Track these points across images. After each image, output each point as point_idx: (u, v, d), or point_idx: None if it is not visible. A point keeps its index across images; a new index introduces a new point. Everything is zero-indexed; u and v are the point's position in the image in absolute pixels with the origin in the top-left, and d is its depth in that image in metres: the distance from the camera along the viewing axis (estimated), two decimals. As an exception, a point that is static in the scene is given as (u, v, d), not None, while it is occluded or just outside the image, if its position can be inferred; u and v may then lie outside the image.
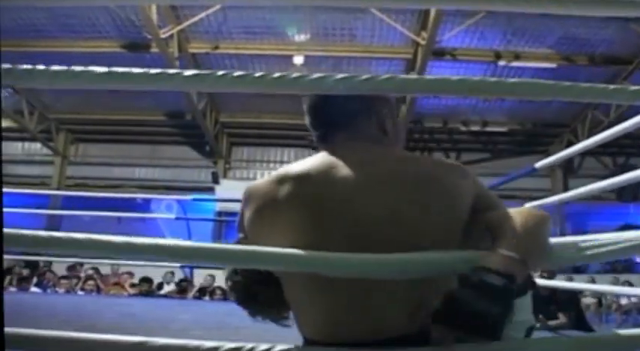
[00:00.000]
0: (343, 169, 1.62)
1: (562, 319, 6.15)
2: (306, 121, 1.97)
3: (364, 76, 1.67)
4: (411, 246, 1.46)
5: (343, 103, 1.82)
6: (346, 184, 1.58)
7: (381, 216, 1.53)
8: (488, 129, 16.19)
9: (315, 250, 1.48)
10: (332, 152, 1.73)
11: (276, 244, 1.52)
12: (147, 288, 10.40)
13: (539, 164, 5.33)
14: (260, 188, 1.72)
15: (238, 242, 1.74)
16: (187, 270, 12.37)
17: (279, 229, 1.60)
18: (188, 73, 1.70)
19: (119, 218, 15.15)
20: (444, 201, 1.56)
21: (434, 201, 1.55)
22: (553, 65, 12.68)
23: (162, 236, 12.63)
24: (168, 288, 10.94)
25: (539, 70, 12.86)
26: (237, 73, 1.71)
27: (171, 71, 1.70)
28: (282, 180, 1.66)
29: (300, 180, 1.64)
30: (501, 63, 12.66)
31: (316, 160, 1.72)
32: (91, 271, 11.11)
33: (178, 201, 15.04)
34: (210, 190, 15.02)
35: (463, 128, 16.22)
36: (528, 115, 15.63)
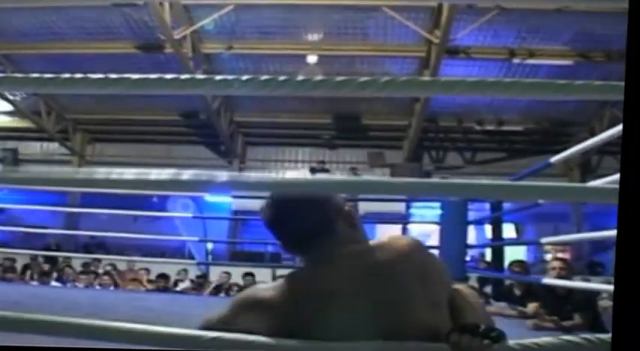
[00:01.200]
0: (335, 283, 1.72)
1: (577, 319, 6.08)
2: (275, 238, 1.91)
3: (385, 78, 1.72)
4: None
5: (308, 216, 1.82)
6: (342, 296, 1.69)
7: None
8: (504, 128, 16.08)
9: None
10: (316, 267, 1.82)
11: None
12: (163, 284, 10.48)
13: (554, 159, 5.31)
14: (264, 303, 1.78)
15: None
16: (203, 267, 12.43)
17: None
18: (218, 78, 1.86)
19: (135, 217, 15.31)
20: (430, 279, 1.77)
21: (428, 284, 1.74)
22: (569, 62, 12.58)
23: (179, 234, 12.69)
24: (183, 285, 11.03)
25: (554, 68, 12.77)
26: (262, 78, 1.80)
27: (200, 77, 1.81)
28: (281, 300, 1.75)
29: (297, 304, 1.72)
30: (516, 61, 12.59)
31: (303, 280, 1.81)
32: (109, 267, 11.27)
33: (194, 200, 15.11)
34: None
35: (478, 127, 16.12)
36: (544, 113, 15.50)
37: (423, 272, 1.73)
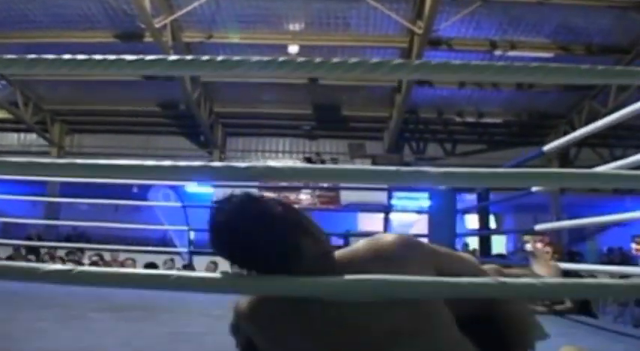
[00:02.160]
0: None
1: (568, 303, 6.18)
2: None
3: (374, 60, 1.69)
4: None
5: (268, 241, 1.56)
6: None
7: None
8: (484, 120, 16.18)
9: None
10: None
11: None
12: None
13: (547, 147, 5.32)
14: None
15: None
16: (187, 257, 12.37)
17: None
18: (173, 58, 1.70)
19: (116, 207, 15.20)
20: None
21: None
22: (549, 55, 12.61)
23: (160, 224, 12.63)
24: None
25: (535, 60, 12.80)
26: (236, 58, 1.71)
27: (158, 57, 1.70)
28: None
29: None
30: (497, 52, 12.60)
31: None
32: (95, 258, 11.27)
33: (175, 190, 15.02)
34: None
35: (458, 119, 16.20)
36: (524, 106, 15.59)
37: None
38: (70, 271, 1.53)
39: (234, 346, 1.75)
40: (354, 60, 1.69)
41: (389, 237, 1.68)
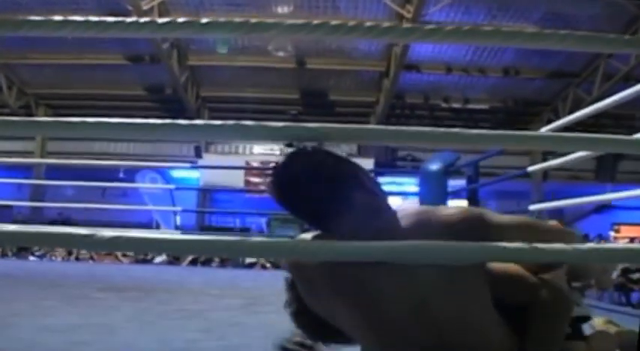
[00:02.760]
0: None
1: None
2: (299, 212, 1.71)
3: (369, 24, 1.68)
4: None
5: (331, 189, 1.61)
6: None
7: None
8: (470, 106, 16.26)
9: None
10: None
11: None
12: (142, 257, 10.59)
13: (545, 128, 5.34)
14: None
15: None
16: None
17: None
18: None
19: (103, 190, 15.16)
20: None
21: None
22: (537, 41, 12.68)
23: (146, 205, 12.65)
24: (160, 258, 11.06)
25: (522, 47, 12.89)
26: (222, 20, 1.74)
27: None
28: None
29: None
30: (485, 38, 12.64)
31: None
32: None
33: (162, 174, 15.03)
34: (192, 164, 14.97)
35: (444, 105, 16.27)
36: (510, 92, 15.70)
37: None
38: (118, 238, 1.55)
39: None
40: (336, 23, 1.70)
41: (451, 209, 1.64)
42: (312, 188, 1.60)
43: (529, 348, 1.59)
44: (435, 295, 1.53)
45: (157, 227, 13.83)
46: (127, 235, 1.51)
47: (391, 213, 1.64)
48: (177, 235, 1.52)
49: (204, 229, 14.21)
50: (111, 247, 1.60)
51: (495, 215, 1.59)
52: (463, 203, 8.89)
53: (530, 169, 6.20)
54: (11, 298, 3.93)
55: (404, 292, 1.53)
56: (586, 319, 1.88)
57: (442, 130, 1.69)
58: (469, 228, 1.52)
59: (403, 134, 1.84)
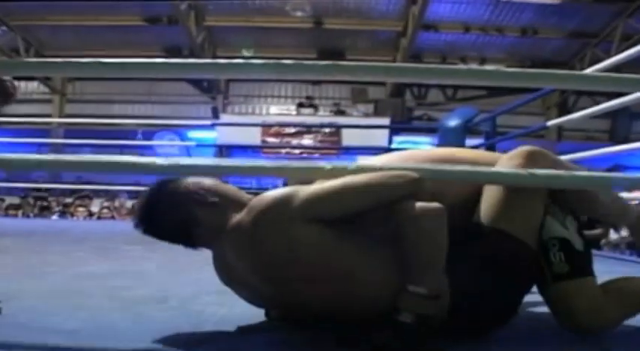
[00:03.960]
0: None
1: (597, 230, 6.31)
2: None
3: None
4: None
5: (168, 214, 1.74)
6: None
7: None
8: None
9: None
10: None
11: None
12: None
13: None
14: None
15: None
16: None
17: None
18: None
19: (121, 152, 15.24)
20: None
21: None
22: (555, 2, 12.57)
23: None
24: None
25: (541, 7, 12.81)
26: None
27: None
28: None
29: None
30: (503, -1, 12.60)
31: None
32: (106, 203, 11.45)
33: (179, 134, 15.11)
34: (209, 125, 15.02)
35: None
36: (527, 52, 15.60)
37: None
38: (177, 162, 1.68)
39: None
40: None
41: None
42: (162, 219, 1.74)
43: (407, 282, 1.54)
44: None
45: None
46: (184, 161, 1.65)
47: (236, 210, 1.69)
48: (221, 159, 1.62)
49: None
50: (171, 170, 1.77)
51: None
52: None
53: (550, 123, 6.23)
54: (43, 250, 4.05)
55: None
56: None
57: (476, 67, 1.75)
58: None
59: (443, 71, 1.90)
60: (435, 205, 1.56)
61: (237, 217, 1.65)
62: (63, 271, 3.10)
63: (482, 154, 2.19)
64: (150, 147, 12.90)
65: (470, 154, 2.06)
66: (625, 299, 1.81)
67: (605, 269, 2.23)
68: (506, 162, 1.82)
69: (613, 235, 10.53)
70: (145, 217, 1.75)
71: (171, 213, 1.72)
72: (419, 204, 1.55)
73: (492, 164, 1.85)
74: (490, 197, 1.75)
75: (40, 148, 14.93)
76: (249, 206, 1.63)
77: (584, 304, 1.73)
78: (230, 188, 1.80)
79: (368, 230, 1.60)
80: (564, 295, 1.74)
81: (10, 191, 13.75)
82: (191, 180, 1.77)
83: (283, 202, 1.57)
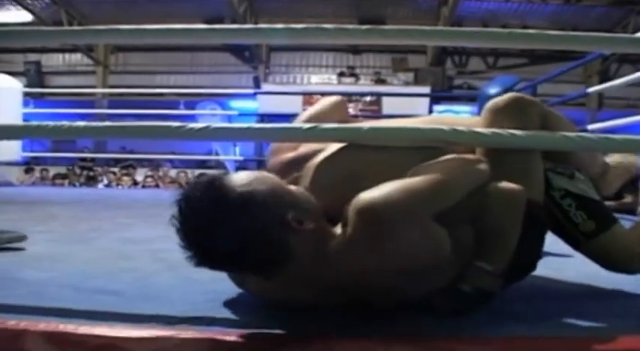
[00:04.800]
0: None
1: (627, 199, 6.21)
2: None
3: None
4: None
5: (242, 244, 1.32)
6: None
7: None
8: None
9: None
10: None
11: None
12: None
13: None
14: None
15: None
16: (232, 167, 12.58)
17: None
18: None
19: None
20: None
21: None
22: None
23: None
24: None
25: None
26: None
27: None
28: None
29: None
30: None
31: None
32: (150, 173, 11.64)
33: (221, 104, 15.20)
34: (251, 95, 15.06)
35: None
36: (570, 20, 15.29)
37: None
38: (207, 127, 1.70)
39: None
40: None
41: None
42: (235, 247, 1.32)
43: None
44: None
45: (218, 155, 14.05)
46: (215, 125, 1.66)
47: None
48: (260, 124, 1.65)
49: (262, 162, 14.33)
50: (202, 136, 1.74)
51: None
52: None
53: (590, 90, 6.16)
54: (89, 217, 4.15)
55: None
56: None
57: (517, 30, 1.74)
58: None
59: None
60: (519, 187, 1.58)
61: (340, 237, 1.42)
62: (109, 235, 3.19)
63: (467, 118, 2.19)
64: (192, 117, 12.98)
65: (455, 119, 2.04)
66: None
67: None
68: (491, 115, 1.78)
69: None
70: (202, 242, 1.33)
71: (252, 240, 1.31)
72: (504, 186, 1.57)
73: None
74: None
75: (84, 118, 15.17)
76: (360, 217, 1.37)
77: (622, 253, 1.82)
78: (308, 197, 1.50)
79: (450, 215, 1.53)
80: (600, 251, 1.82)
81: (56, 161, 14.02)
82: (262, 186, 1.38)
83: (406, 203, 1.40)
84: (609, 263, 1.85)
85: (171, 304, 1.59)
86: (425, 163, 1.56)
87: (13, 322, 1.35)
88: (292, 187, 1.47)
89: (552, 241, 1.86)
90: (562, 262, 2.28)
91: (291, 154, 1.80)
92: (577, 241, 1.83)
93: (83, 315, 1.44)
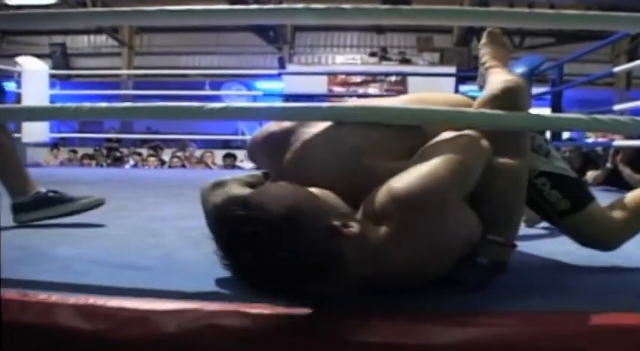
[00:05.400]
0: None
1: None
2: None
3: None
4: None
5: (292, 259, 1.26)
6: None
7: None
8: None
9: None
10: None
11: None
12: (231, 162, 11.04)
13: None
14: None
15: None
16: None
17: None
18: None
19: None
20: None
21: None
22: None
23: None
24: (250, 164, 11.53)
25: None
26: None
27: None
28: None
29: None
30: None
31: None
32: (178, 153, 11.76)
33: (246, 85, 15.23)
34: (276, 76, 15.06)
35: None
36: (597, -2, 15.09)
37: None
38: (227, 107, 1.74)
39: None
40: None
41: None
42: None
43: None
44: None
45: (244, 135, 14.10)
46: (234, 105, 1.70)
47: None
48: (281, 104, 1.68)
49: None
50: (222, 116, 1.78)
51: None
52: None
53: (616, 69, 6.10)
54: (117, 196, 4.20)
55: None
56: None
57: (543, 10, 1.74)
58: None
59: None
60: (520, 162, 1.64)
61: (384, 230, 1.41)
62: (137, 214, 3.25)
63: (451, 96, 2.18)
64: (218, 97, 13.03)
65: (440, 96, 2.06)
66: (632, 210, 1.90)
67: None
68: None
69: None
70: (262, 269, 1.27)
71: (310, 257, 1.27)
72: (508, 162, 1.62)
73: (461, 106, 1.84)
74: None
75: (110, 100, 15.28)
76: (401, 207, 1.39)
77: (597, 229, 1.87)
78: (337, 199, 1.48)
79: None
80: (576, 228, 1.88)
81: (84, 142, 14.18)
82: (299, 200, 1.33)
83: (440, 188, 1.43)
84: (584, 240, 1.91)
85: (197, 279, 1.63)
86: (433, 144, 1.59)
87: (44, 296, 1.40)
88: (316, 191, 1.43)
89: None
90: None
91: (274, 128, 1.82)
92: (553, 218, 1.90)
93: (113, 289, 1.48)
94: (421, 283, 1.49)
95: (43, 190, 2.71)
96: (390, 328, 1.30)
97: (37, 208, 2.65)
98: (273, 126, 1.83)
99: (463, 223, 1.49)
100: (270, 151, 1.77)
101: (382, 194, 1.43)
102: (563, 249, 2.11)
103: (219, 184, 1.77)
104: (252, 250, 1.24)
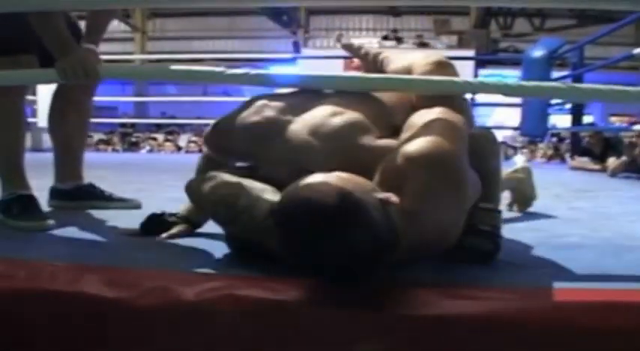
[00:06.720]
0: None
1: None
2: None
3: None
4: None
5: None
6: None
7: None
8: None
9: None
10: None
11: None
12: None
13: None
14: None
15: None
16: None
17: None
18: None
19: (204, 90, 15.53)
20: None
21: None
22: None
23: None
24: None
25: None
26: None
27: None
28: None
29: None
30: None
31: None
32: (194, 138, 11.79)
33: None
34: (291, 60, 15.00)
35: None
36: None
37: None
38: (246, 73, 1.74)
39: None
40: None
41: None
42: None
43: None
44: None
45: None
46: (254, 71, 1.69)
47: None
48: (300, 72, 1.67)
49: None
50: (242, 81, 1.92)
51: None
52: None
53: (636, 51, 5.98)
54: (134, 180, 4.21)
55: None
56: None
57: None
58: None
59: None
60: (490, 131, 1.82)
61: (414, 194, 1.40)
62: (153, 195, 3.24)
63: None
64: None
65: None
66: None
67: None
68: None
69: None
70: (349, 258, 1.27)
71: (383, 234, 1.30)
72: (482, 130, 1.79)
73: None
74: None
75: (124, 85, 15.33)
76: (427, 165, 1.40)
77: None
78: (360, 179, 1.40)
79: None
80: None
81: (98, 128, 14.23)
82: (344, 185, 1.30)
83: (453, 150, 1.45)
84: None
85: (216, 254, 1.71)
86: (424, 115, 1.58)
87: (71, 266, 1.49)
88: (344, 175, 1.37)
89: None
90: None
91: (256, 118, 1.74)
92: None
93: (136, 262, 1.59)
94: (442, 252, 1.53)
95: (84, 183, 2.78)
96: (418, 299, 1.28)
97: (73, 199, 2.71)
98: (252, 116, 1.75)
99: (472, 181, 1.53)
100: (254, 140, 1.72)
101: (398, 161, 1.43)
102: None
103: (208, 178, 1.71)
104: (334, 238, 1.24)
